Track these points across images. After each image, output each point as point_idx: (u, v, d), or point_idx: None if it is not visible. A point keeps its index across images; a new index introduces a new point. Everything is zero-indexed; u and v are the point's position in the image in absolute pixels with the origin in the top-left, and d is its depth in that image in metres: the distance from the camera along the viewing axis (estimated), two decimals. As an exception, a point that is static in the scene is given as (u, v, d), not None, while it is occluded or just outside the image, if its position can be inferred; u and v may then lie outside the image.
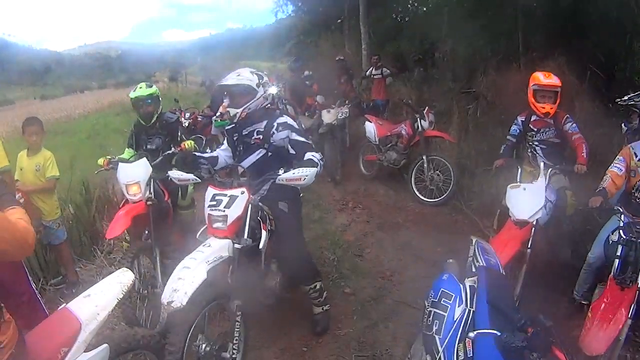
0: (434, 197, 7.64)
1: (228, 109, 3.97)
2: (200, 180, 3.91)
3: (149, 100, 5.23)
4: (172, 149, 5.02)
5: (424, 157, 7.78)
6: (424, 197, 7.73)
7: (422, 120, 7.90)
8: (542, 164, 4.67)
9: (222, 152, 4.29)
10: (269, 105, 4.06)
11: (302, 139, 3.89)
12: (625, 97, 4.71)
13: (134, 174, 4.68)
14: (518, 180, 4.67)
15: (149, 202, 4.63)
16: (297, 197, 4.27)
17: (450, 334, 2.49)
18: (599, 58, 8.66)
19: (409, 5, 19.69)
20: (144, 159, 4.83)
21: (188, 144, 5.03)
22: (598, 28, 9.02)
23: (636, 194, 4.05)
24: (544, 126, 5.14)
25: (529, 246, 4.17)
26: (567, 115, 5.08)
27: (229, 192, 3.48)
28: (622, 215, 3.66)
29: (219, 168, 4.19)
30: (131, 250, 4.43)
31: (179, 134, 5.34)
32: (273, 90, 4.43)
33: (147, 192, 4.67)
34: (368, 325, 4.47)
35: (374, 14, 17.62)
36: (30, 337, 2.20)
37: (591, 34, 9.28)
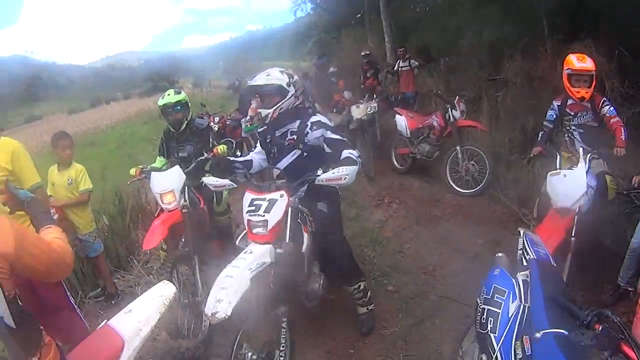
0: (470, 188, 7.50)
1: (259, 111, 3.89)
2: (236, 186, 3.82)
3: (178, 107, 5.12)
4: (205, 154, 4.91)
5: (458, 148, 7.64)
6: (460, 188, 7.60)
7: (453, 111, 7.78)
8: (581, 149, 4.53)
9: (256, 156, 4.20)
10: (301, 104, 3.95)
11: (338, 137, 3.80)
12: None
13: (168, 183, 4.60)
14: (557, 167, 4.51)
15: (184, 210, 4.54)
16: (335, 196, 4.17)
17: (506, 331, 2.37)
18: (626, 38, 8.42)
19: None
20: (177, 166, 4.73)
21: (220, 148, 4.90)
22: (624, 7, 8.79)
23: None
24: (581, 110, 4.98)
25: (573, 234, 4.04)
26: (604, 99, 4.94)
27: (268, 196, 3.38)
28: None
29: (254, 172, 4.09)
30: (169, 260, 4.36)
31: (210, 139, 5.23)
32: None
33: (182, 200, 4.58)
34: (414, 323, 4.35)
35: (393, 6, 17.43)
36: (72, 357, 2.13)
37: (617, 14, 9.05)
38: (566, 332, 2.01)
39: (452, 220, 6.66)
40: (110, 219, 6.94)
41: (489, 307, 2.51)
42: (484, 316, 2.51)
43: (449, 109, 7.81)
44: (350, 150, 3.63)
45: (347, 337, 4.22)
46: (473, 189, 7.45)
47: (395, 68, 12.48)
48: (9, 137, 3.96)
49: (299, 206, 3.63)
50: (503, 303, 2.49)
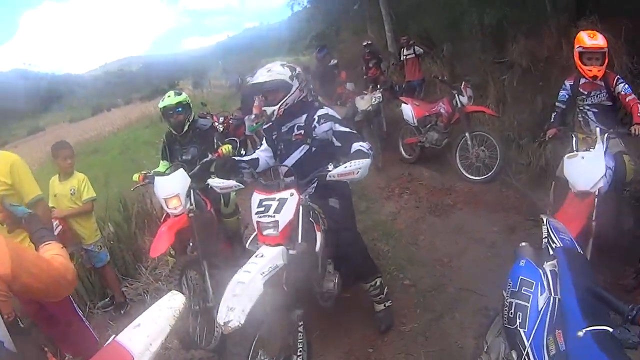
0: (482, 175, 7.34)
1: (264, 109, 3.73)
2: (243, 186, 3.66)
3: (179, 109, 4.96)
4: (210, 155, 4.75)
5: (467, 134, 7.49)
6: (471, 175, 7.44)
7: (460, 96, 7.62)
8: (597, 129, 4.37)
9: (262, 154, 4.06)
10: (305, 97, 3.79)
11: (347, 129, 3.65)
12: None
13: (172, 187, 4.43)
14: (574, 148, 4.37)
15: (190, 214, 4.37)
16: (347, 191, 4.01)
17: (536, 326, 2.22)
18: (633, 13, 8.25)
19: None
20: (181, 169, 4.57)
21: (225, 148, 4.72)
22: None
23: None
24: (594, 89, 4.80)
25: (593, 219, 3.89)
26: (618, 76, 4.77)
27: (277, 195, 3.22)
28: None
29: (261, 170, 3.95)
30: (177, 267, 4.18)
31: (215, 139, 5.06)
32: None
33: (188, 204, 4.41)
34: (433, 318, 4.22)
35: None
36: None
37: None
38: (610, 329, 1.85)
39: (465, 209, 6.51)
40: (115, 226, 6.85)
41: (517, 301, 2.37)
42: (512, 310, 2.36)
43: (456, 95, 7.66)
44: (361, 143, 3.49)
45: (365, 336, 4.10)
46: (484, 175, 7.29)
47: (402, 58, 12.28)
48: (12, 150, 3.85)
49: (310, 204, 3.48)
50: (531, 296, 2.34)
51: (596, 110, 4.82)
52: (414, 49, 11.69)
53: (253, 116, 8.86)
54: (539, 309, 2.27)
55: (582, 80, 4.83)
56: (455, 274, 4.90)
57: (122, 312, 5.35)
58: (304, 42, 34.40)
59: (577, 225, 3.82)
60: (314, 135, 3.68)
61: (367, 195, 7.45)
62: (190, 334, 4.01)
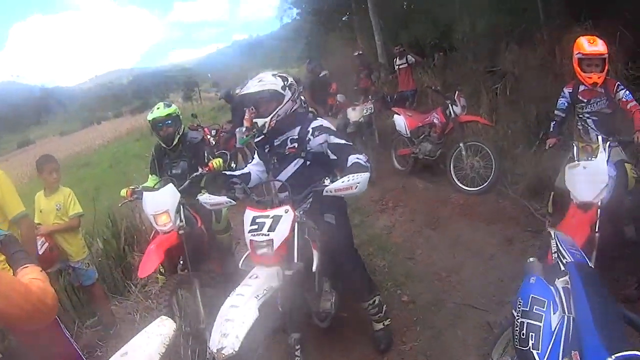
0: (477, 185, 7.21)
1: (255, 120, 3.56)
2: (234, 203, 3.48)
3: (169, 121, 4.77)
4: (200, 170, 4.57)
5: (461, 145, 7.37)
6: (466, 186, 7.31)
7: (453, 106, 7.52)
8: (599, 138, 4.23)
9: (254, 168, 3.89)
10: (299, 108, 3.66)
11: (342, 141, 3.48)
12: None
13: (161, 203, 4.24)
14: (575, 158, 4.25)
15: (181, 232, 4.18)
16: (343, 206, 3.85)
17: (550, 347, 2.07)
18: (627, 19, 8.21)
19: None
20: (170, 184, 4.38)
21: (216, 162, 4.56)
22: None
23: None
24: (594, 96, 4.70)
25: (596, 230, 3.76)
26: (618, 83, 4.66)
27: (271, 212, 3.07)
28: None
29: (253, 186, 3.77)
30: (167, 287, 3.99)
31: (205, 153, 4.87)
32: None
33: (178, 221, 4.23)
34: (433, 335, 4.07)
35: (380, 4, 17.20)
36: None
37: None
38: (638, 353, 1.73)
39: (461, 221, 6.38)
40: (104, 242, 6.67)
41: (529, 321, 2.21)
42: (524, 331, 2.22)
43: (449, 105, 7.56)
44: (358, 155, 3.32)
45: (365, 356, 3.94)
46: (480, 186, 7.16)
47: (394, 67, 12.18)
48: (2, 163, 3.67)
49: (306, 221, 3.32)
50: (544, 315, 2.19)
51: (596, 118, 4.72)
52: (406, 59, 11.56)
53: (244, 129, 8.73)
54: (553, 329, 2.14)
55: (582, 88, 4.73)
56: (454, 288, 4.77)
57: (111, 331, 5.14)
58: (294, 53, 34.38)
59: (580, 237, 3.71)
60: (308, 148, 3.52)
61: (360, 208, 7.30)
62: (182, 357, 3.84)
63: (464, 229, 6.10)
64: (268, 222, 3.01)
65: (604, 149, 4.06)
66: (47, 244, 4.70)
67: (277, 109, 3.46)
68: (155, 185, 4.71)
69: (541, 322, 2.17)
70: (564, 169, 4.27)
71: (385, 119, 10.30)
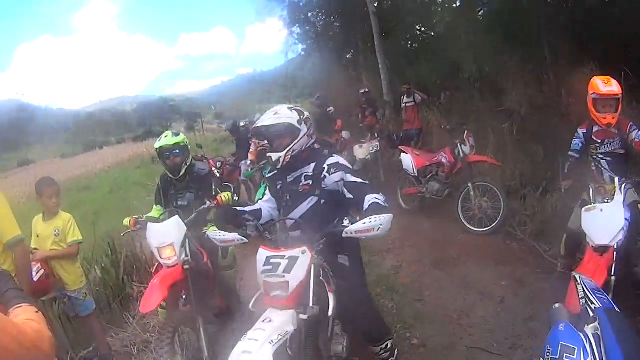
0: (485, 226, 7.15)
1: (269, 154, 3.44)
2: (246, 241, 3.26)
3: (176, 151, 4.65)
4: (208, 203, 4.42)
5: (470, 185, 7.35)
6: (474, 226, 7.26)
7: (462, 146, 7.53)
8: (616, 179, 4.18)
9: (265, 204, 3.73)
10: (314, 144, 3.55)
11: (359, 180, 3.34)
12: None
13: (167, 235, 4.09)
14: (591, 200, 4.18)
15: (186, 266, 4.02)
16: (357, 247, 3.69)
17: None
18: (631, 59, 8.24)
19: (417, 32, 19.44)
20: (176, 217, 4.24)
21: (225, 196, 4.43)
22: (625, 28, 8.66)
23: None
24: (608, 137, 4.68)
25: (613, 273, 3.67)
26: (632, 123, 4.66)
27: (287, 253, 2.89)
28: None
29: (263, 223, 3.61)
30: (170, 323, 3.80)
31: (213, 186, 4.76)
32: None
33: (183, 255, 4.07)
34: (446, 380, 3.92)
35: (386, 43, 17.27)
36: None
37: (619, 35, 8.94)
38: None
39: (470, 262, 6.26)
40: (102, 271, 6.44)
41: (559, 370, 2.16)
42: (555, 379, 2.16)
43: (458, 144, 7.55)
44: (376, 195, 3.17)
45: (375, 403, 3.79)
46: (487, 226, 7.11)
47: (401, 105, 12.13)
48: (1, 181, 3.54)
49: (322, 263, 3.15)
50: (574, 363, 2.14)
51: (610, 159, 4.69)
52: (414, 97, 11.52)
53: (249, 162, 8.67)
54: (584, 378, 2.09)
55: (596, 128, 4.71)
56: (465, 331, 4.64)
57: (106, 365, 4.94)
58: (297, 89, 34.53)
59: (598, 281, 3.63)
60: (323, 186, 3.39)
61: (366, 247, 7.04)
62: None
63: (472, 270, 6.01)
64: (284, 263, 2.85)
65: (621, 191, 4.02)
66: (42, 271, 4.48)
67: (293, 144, 3.34)
68: (160, 216, 4.58)
69: (572, 371, 2.14)
70: (576, 211, 4.29)
71: (391, 157, 10.25)
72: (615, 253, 3.72)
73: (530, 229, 6.63)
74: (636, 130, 4.55)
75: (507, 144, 9.30)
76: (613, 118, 4.50)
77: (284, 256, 2.88)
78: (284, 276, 2.81)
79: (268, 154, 3.45)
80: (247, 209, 3.65)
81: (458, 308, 5.09)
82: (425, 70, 15.48)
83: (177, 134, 4.84)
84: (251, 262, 5.15)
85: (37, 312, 1.75)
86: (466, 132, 7.78)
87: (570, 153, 4.96)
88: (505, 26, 11.75)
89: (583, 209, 4.07)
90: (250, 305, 3.03)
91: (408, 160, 8.21)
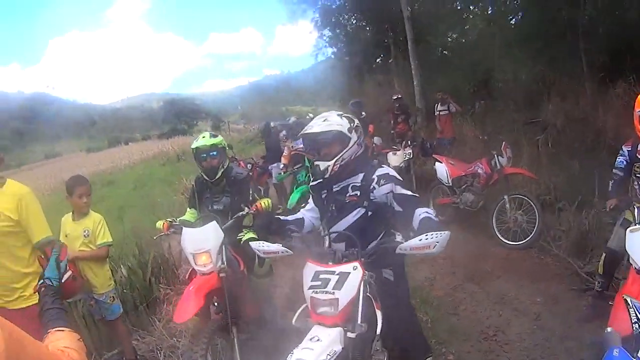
0: (518, 240, 7.00)
1: (317, 163, 3.28)
2: (291, 253, 3.05)
3: (214, 152, 4.44)
4: (247, 209, 4.27)
5: (506, 197, 7.18)
6: (508, 240, 7.10)
7: (499, 157, 7.37)
8: None
9: (308, 213, 3.57)
10: (364, 153, 3.40)
11: (409, 193, 3.16)
12: None
13: (203, 241, 3.93)
14: (636, 221, 3.99)
15: (222, 274, 3.87)
16: (401, 261, 3.50)
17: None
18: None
19: (448, 39, 19.26)
20: (214, 222, 4.04)
21: (264, 202, 4.28)
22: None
23: None
24: None
25: (655, 298, 3.49)
26: None
27: (338, 268, 2.74)
28: None
29: (306, 233, 3.49)
30: (204, 333, 3.66)
31: (251, 191, 4.58)
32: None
33: (220, 262, 3.92)
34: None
35: (419, 49, 17.11)
36: None
37: None
38: None
39: (505, 277, 6.14)
40: (129, 272, 6.27)
41: (615, 396, 2.03)
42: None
43: (495, 155, 7.39)
44: (426, 209, 3.01)
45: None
46: (522, 240, 6.95)
47: (434, 113, 11.99)
48: (27, 173, 3.43)
49: (372, 280, 2.96)
50: (631, 390, 2.01)
51: None
52: (448, 106, 11.33)
53: (281, 165, 8.55)
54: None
55: None
56: (502, 348, 4.54)
57: (130, 370, 4.81)
58: (325, 92, 34.38)
59: (644, 306, 3.48)
60: (371, 198, 3.21)
61: (399, 258, 7.01)
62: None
63: (508, 285, 5.89)
64: (334, 279, 2.70)
65: None
66: (70, 272, 4.37)
67: (342, 153, 3.20)
68: (195, 220, 4.46)
69: (628, 397, 2.02)
70: (617, 230, 4.24)
71: (422, 165, 10.07)
72: (660, 277, 3.59)
73: (565, 245, 6.47)
74: None
75: (542, 156, 9.16)
76: None
77: (334, 272, 2.73)
78: (333, 292, 2.66)
79: (316, 162, 3.30)
80: (289, 218, 3.52)
81: (493, 324, 4.99)
82: (458, 78, 15.30)
83: (214, 135, 4.66)
84: (286, 272, 5.04)
85: (79, 339, 1.59)
86: (504, 143, 7.61)
87: (614, 171, 4.77)
88: (542, 36, 11.56)
89: (628, 229, 3.90)
90: (294, 320, 2.88)
91: (443, 169, 8.08)
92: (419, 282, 6.15)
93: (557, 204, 7.44)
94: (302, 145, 8.54)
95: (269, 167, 10.13)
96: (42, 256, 1.92)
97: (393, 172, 3.29)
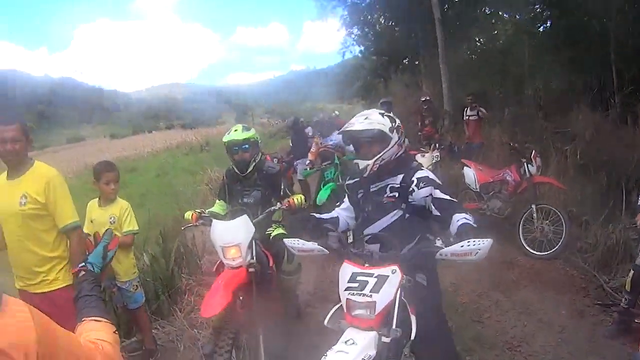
0: (544, 250, 6.90)
1: (356, 161, 3.23)
2: (327, 252, 2.98)
3: (246, 146, 4.40)
4: (279, 204, 4.23)
5: (533, 206, 7.10)
6: (534, 249, 7.00)
7: (529, 165, 7.27)
8: None
9: (343, 212, 3.51)
10: (404, 154, 3.34)
11: (448, 197, 3.09)
12: None
13: (234, 235, 3.85)
14: None
15: (251, 269, 3.80)
16: (434, 265, 3.41)
17: None
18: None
19: (476, 43, 19.08)
20: (245, 216, 3.98)
21: (297, 198, 4.22)
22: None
23: None
24: None
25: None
26: None
27: (376, 271, 2.66)
28: None
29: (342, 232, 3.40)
30: (230, 329, 3.54)
31: (282, 186, 4.52)
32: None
33: (249, 257, 3.86)
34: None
35: (449, 51, 16.98)
36: None
37: None
38: None
39: (530, 287, 6.07)
40: (152, 260, 6.24)
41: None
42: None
43: (525, 163, 7.30)
44: (465, 215, 2.94)
45: None
46: (548, 251, 6.85)
47: (463, 117, 11.81)
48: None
49: (409, 284, 2.84)
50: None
51: None
52: (477, 111, 11.19)
53: (308, 161, 8.49)
54: None
55: None
56: (525, 360, 4.49)
57: (151, 359, 4.78)
58: (351, 90, 34.18)
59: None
60: (410, 200, 3.16)
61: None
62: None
63: (533, 295, 5.82)
64: (372, 281, 2.63)
65: None
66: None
67: (382, 152, 3.13)
68: (225, 213, 4.42)
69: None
70: None
71: (448, 169, 9.98)
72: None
73: (591, 258, 6.41)
74: None
75: (569, 167, 9.04)
76: None
77: (373, 274, 2.66)
78: (371, 296, 2.59)
79: (355, 161, 3.25)
80: (325, 216, 3.47)
81: (518, 334, 4.92)
82: (487, 83, 15.14)
83: (247, 129, 4.60)
84: (312, 269, 4.99)
85: (115, 332, 1.53)
86: (533, 151, 7.52)
87: None
88: (572, 45, 11.44)
89: None
90: (326, 321, 2.83)
91: (471, 174, 8.00)
92: (444, 287, 5.92)
93: (584, 216, 7.33)
94: (332, 143, 8.50)
95: (295, 163, 10.09)
96: (91, 239, 1.87)
97: (432, 175, 3.23)
